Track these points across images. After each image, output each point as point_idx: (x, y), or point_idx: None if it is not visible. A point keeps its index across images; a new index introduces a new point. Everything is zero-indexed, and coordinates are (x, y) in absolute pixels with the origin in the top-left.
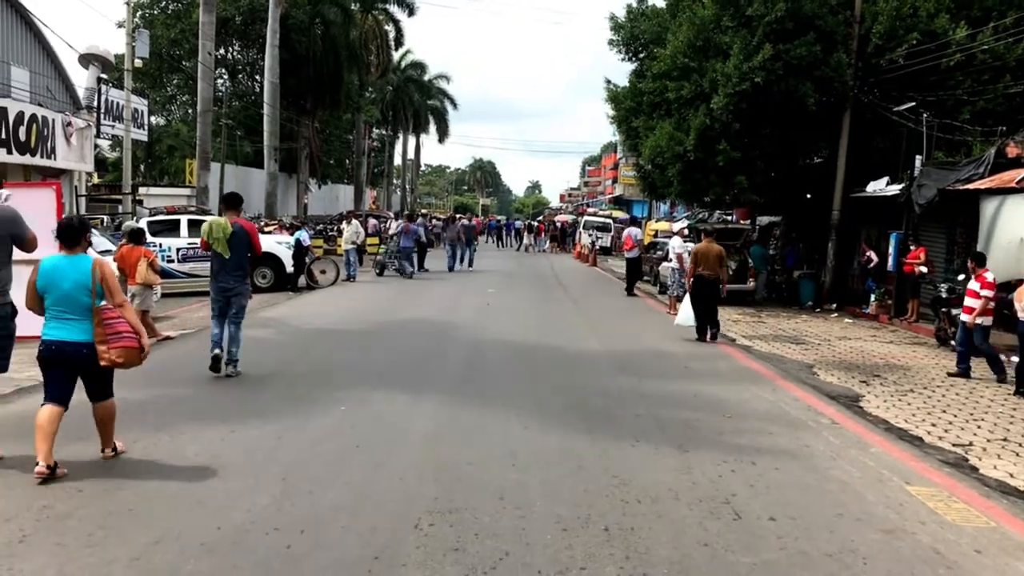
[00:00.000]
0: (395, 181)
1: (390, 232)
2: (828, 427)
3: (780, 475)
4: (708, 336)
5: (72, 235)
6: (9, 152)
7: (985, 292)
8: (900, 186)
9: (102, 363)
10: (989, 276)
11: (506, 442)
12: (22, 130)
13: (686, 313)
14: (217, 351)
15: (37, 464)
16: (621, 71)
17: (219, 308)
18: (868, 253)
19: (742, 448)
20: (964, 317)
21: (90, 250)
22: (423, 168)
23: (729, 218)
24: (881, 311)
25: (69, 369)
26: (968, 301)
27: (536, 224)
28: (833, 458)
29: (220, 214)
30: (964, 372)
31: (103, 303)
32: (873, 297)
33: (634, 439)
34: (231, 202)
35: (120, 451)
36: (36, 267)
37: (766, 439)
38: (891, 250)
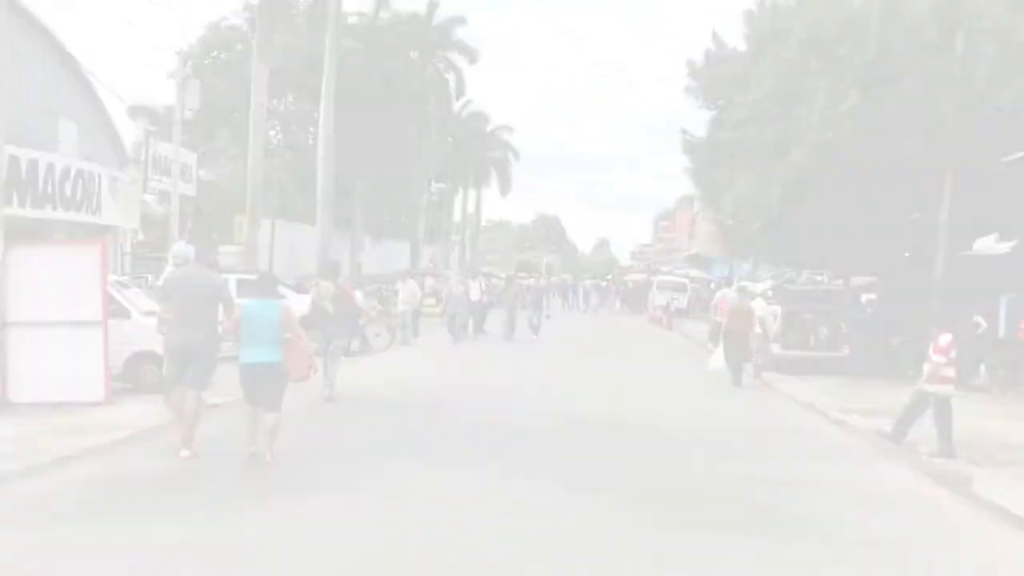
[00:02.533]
0: (454, 237)
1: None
2: (936, 511)
3: (885, 565)
4: (742, 380)
5: (264, 288)
6: (55, 208)
7: (936, 358)
8: (1011, 243)
9: (290, 377)
10: (943, 340)
11: (598, 531)
12: (68, 185)
13: (718, 360)
14: (327, 391)
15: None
16: (695, 122)
17: (325, 348)
18: (976, 318)
19: (843, 531)
20: (939, 388)
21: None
22: (484, 223)
23: (819, 279)
24: (993, 382)
25: (258, 380)
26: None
27: (605, 284)
28: (943, 545)
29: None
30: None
31: (287, 335)
32: (983, 366)
33: (726, 525)
34: (328, 271)
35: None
36: (239, 307)
37: (867, 523)
38: (1002, 314)
